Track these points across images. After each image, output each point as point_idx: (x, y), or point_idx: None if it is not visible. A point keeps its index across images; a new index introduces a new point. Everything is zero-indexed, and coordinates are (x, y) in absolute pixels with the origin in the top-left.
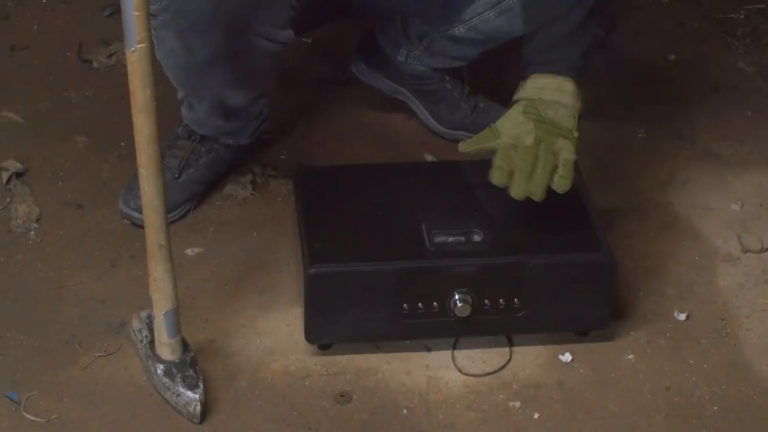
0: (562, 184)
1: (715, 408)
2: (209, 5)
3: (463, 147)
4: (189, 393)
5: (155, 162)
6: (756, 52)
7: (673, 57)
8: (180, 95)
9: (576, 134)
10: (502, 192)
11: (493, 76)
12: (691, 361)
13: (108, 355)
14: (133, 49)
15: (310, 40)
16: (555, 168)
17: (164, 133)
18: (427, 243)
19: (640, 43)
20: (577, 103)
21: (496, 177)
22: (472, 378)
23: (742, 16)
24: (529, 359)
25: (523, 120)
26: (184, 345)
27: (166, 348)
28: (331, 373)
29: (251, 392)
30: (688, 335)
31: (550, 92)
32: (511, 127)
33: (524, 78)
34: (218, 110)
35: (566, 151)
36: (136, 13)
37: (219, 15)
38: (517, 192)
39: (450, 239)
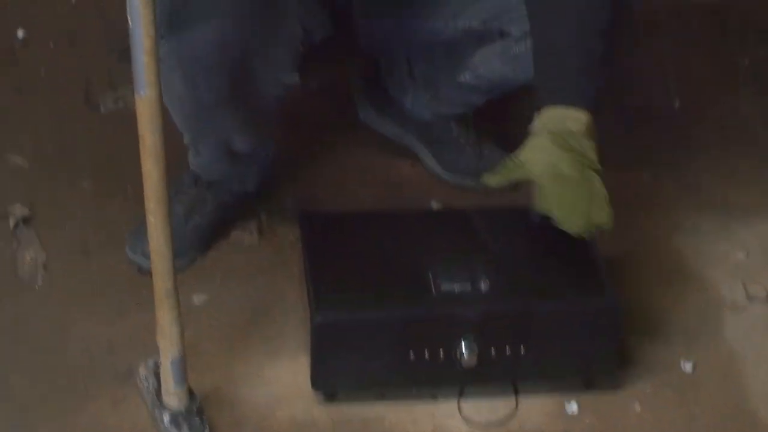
0: (608, 221)
1: None
2: (215, 49)
3: (490, 180)
4: None
5: (163, 208)
6: (761, 98)
7: (678, 102)
8: (186, 140)
9: (601, 168)
10: (508, 239)
11: (499, 123)
12: (698, 411)
13: (115, 403)
14: (142, 93)
15: (315, 84)
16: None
17: (171, 179)
18: (434, 290)
19: (645, 88)
20: (595, 135)
21: (547, 206)
22: (478, 427)
23: (747, 62)
24: (535, 409)
25: (557, 150)
26: (191, 393)
27: (173, 397)
28: (337, 421)
29: None
30: (694, 384)
31: (571, 123)
32: (544, 157)
33: (538, 109)
34: (224, 155)
35: (600, 185)
36: (146, 58)
37: (224, 58)
38: (574, 227)
39: (456, 287)
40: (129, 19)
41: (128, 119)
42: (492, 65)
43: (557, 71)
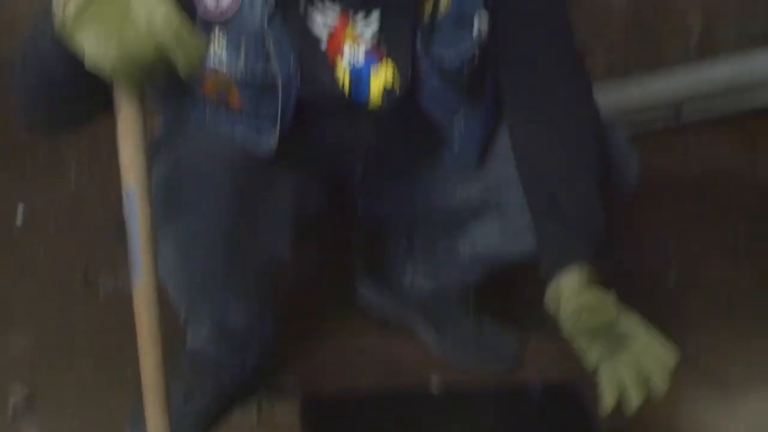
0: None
1: None
2: (209, 228)
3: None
4: None
5: (161, 392)
6: (759, 270)
7: (675, 275)
8: (182, 318)
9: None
10: (509, 420)
11: (500, 301)
12: None
13: None
14: (139, 278)
15: (313, 259)
16: None
17: (169, 361)
18: None
19: (641, 265)
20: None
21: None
22: None
23: (744, 233)
24: None
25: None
26: None
27: None
28: None
29: None
30: None
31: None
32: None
33: (550, 278)
34: (220, 334)
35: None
36: (143, 243)
37: (221, 232)
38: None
39: None
40: (125, 212)
41: (127, 300)
42: (490, 240)
43: (559, 233)
